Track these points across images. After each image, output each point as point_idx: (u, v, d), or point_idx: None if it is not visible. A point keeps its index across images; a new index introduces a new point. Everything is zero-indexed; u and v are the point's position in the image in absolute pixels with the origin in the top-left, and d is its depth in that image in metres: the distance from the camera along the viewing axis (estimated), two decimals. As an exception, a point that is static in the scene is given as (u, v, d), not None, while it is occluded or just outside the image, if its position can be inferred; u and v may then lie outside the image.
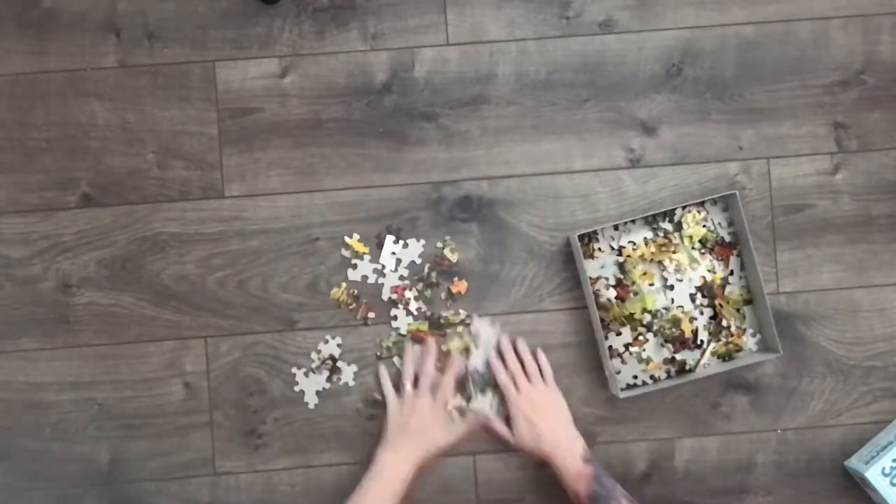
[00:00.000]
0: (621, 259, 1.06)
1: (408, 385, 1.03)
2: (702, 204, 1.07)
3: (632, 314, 1.05)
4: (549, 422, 1.01)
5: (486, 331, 1.05)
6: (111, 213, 1.08)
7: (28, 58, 1.08)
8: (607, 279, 1.06)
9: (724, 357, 1.07)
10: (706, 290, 1.06)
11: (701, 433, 1.08)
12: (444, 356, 1.04)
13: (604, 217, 1.08)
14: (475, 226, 1.08)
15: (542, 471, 1.07)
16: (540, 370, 1.05)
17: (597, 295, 1.06)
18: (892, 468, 1.02)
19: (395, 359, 1.07)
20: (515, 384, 1.02)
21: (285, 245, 1.08)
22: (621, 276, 1.06)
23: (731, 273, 1.07)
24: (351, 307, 1.06)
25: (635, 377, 1.07)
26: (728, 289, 1.07)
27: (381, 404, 1.05)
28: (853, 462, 1.07)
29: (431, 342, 1.05)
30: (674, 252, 1.06)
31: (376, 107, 1.09)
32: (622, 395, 1.03)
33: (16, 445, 1.06)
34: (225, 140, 1.08)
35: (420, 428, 1.00)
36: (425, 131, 1.09)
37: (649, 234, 1.07)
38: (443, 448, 1.01)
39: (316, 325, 1.08)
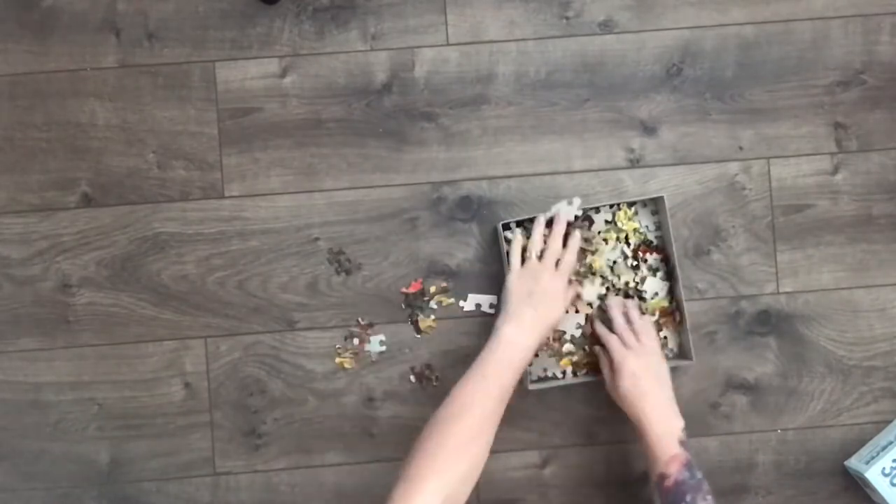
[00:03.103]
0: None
1: (533, 256, 0.99)
2: (631, 205, 1.07)
3: None
4: (656, 387, 0.95)
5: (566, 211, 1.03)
6: (111, 213, 1.08)
7: (28, 58, 1.08)
8: None
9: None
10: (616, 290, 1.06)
11: (701, 433, 1.08)
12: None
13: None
14: (475, 226, 1.08)
15: (542, 471, 1.07)
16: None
17: None
18: (892, 468, 1.02)
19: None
20: (623, 341, 0.99)
21: (285, 245, 1.08)
22: None
23: (655, 275, 1.07)
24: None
25: (545, 370, 1.07)
26: (651, 283, 1.07)
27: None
28: (853, 462, 1.07)
29: (564, 213, 1.02)
30: (594, 251, 1.05)
31: (376, 107, 1.09)
32: (531, 387, 1.03)
33: (16, 445, 1.07)
34: (225, 140, 1.08)
35: (542, 298, 0.96)
36: (425, 131, 1.09)
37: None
38: (560, 319, 0.98)
39: (316, 325, 1.08)
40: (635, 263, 1.06)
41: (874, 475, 1.02)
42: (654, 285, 1.06)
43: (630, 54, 1.09)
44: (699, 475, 0.91)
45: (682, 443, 0.93)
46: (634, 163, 1.09)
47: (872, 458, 1.04)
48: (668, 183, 1.09)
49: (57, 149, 1.08)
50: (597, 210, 1.07)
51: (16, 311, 1.07)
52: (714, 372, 1.08)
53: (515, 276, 0.98)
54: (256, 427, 1.07)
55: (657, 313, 1.06)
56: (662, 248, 1.07)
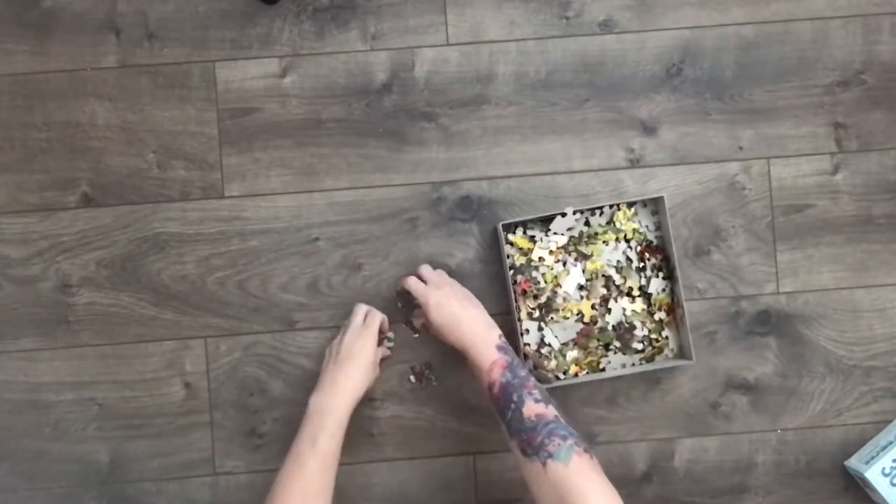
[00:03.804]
0: (536, 256, 1.06)
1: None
2: (630, 205, 1.07)
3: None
4: (462, 308, 0.96)
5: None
6: (111, 213, 1.08)
7: (28, 58, 1.08)
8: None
9: (647, 359, 1.07)
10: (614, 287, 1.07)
11: (701, 433, 1.08)
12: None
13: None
14: (475, 226, 1.08)
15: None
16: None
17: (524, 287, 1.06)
18: (892, 468, 1.02)
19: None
20: (423, 280, 1.00)
21: (285, 245, 1.08)
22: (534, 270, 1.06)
23: (658, 275, 1.07)
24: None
25: (548, 370, 1.06)
26: (655, 283, 1.07)
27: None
28: (853, 462, 1.07)
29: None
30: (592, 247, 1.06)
31: (376, 107, 1.09)
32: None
33: (16, 445, 1.07)
34: (225, 140, 1.08)
35: (345, 356, 0.98)
36: (425, 131, 1.09)
37: (567, 226, 1.07)
38: (373, 373, 1.00)
39: (316, 325, 1.08)
40: (642, 265, 1.06)
41: (874, 475, 1.02)
42: (657, 284, 1.06)
43: (630, 54, 1.09)
44: (522, 373, 0.90)
45: (499, 348, 0.92)
46: (634, 163, 1.09)
47: (872, 458, 1.04)
48: (668, 183, 1.09)
49: (57, 149, 1.08)
50: (597, 211, 1.06)
51: (16, 311, 1.07)
52: (714, 372, 1.08)
53: (326, 351, 1.02)
54: (256, 427, 1.07)
55: (662, 308, 1.06)
56: (662, 248, 1.07)
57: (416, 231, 1.08)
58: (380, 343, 1.03)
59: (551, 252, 1.06)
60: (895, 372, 1.09)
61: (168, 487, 1.07)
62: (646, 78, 1.09)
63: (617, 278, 1.06)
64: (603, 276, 1.06)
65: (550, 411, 0.87)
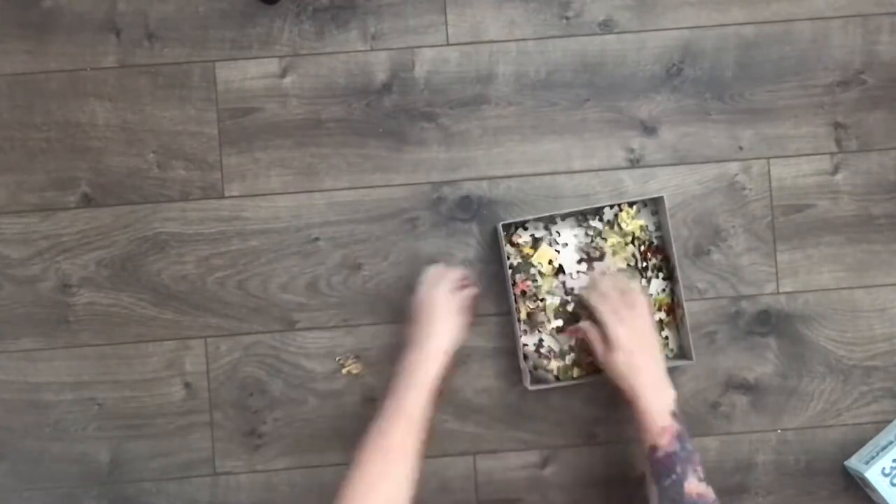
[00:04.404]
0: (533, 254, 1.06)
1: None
2: (632, 204, 1.07)
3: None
4: (649, 360, 0.94)
5: None
6: (111, 213, 1.08)
7: (28, 58, 1.08)
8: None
9: None
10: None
11: (701, 433, 1.08)
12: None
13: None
14: (475, 226, 1.08)
15: (542, 471, 1.07)
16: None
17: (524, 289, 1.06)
18: (892, 468, 1.02)
19: None
20: (616, 312, 0.96)
21: (285, 245, 1.08)
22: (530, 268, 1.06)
23: (658, 276, 1.07)
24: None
25: (548, 370, 1.07)
26: (654, 284, 1.07)
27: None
28: (853, 462, 1.07)
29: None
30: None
31: (376, 107, 1.09)
32: (531, 387, 1.03)
33: (16, 445, 1.07)
34: (225, 140, 1.08)
35: (433, 314, 0.95)
36: (425, 131, 1.09)
37: (577, 232, 1.07)
38: (458, 326, 0.96)
39: (316, 325, 1.08)
40: (644, 265, 1.06)
41: (874, 475, 1.02)
42: (657, 285, 1.06)
43: (630, 54, 1.09)
44: (690, 447, 0.90)
45: (673, 414, 0.91)
46: (634, 163, 1.09)
47: (872, 458, 1.04)
48: (668, 183, 1.09)
49: (57, 149, 1.08)
50: (599, 212, 1.06)
51: (16, 311, 1.07)
52: (714, 372, 1.08)
53: (414, 307, 0.98)
54: (256, 427, 1.07)
55: (662, 309, 1.06)
56: (662, 249, 1.07)
57: (416, 231, 1.08)
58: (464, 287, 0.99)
59: (550, 262, 1.06)
60: (895, 372, 1.09)
61: (168, 487, 1.07)
62: (646, 78, 1.09)
63: None
64: None
65: (710, 493, 0.87)
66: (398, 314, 1.08)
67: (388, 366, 1.07)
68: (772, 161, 1.09)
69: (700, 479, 0.88)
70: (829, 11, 1.10)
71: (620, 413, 1.08)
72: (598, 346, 0.96)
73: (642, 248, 1.07)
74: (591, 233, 1.06)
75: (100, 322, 1.07)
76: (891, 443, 1.04)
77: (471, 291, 1.00)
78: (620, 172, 1.09)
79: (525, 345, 1.06)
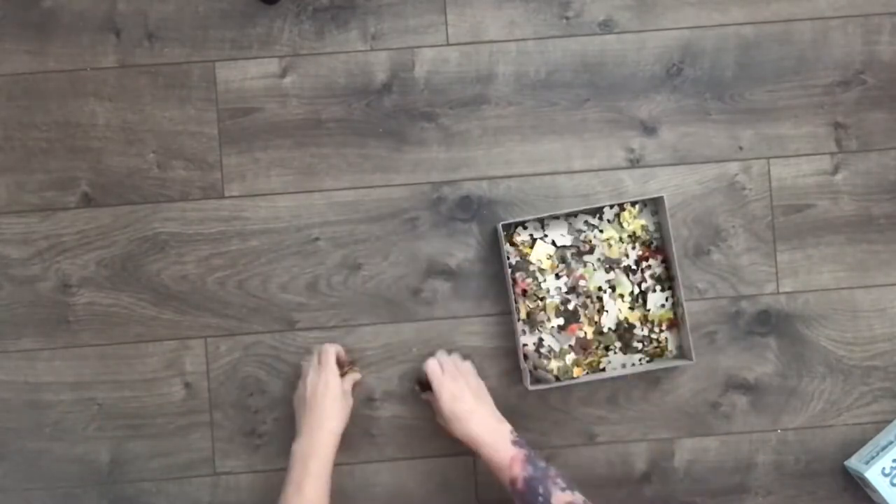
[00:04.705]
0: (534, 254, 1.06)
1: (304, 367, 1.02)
2: (633, 204, 1.07)
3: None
4: (475, 403, 0.97)
5: None
6: (111, 213, 1.08)
7: (28, 58, 1.08)
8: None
9: (649, 358, 1.07)
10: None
11: (701, 433, 1.08)
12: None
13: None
14: (475, 226, 1.08)
15: (542, 471, 1.07)
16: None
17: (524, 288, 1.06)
18: (892, 468, 1.02)
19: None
20: (441, 366, 1.00)
21: (285, 245, 1.08)
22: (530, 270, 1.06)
23: (656, 289, 1.07)
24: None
25: (548, 370, 1.07)
26: (653, 298, 1.07)
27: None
28: (853, 462, 1.07)
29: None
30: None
31: (376, 107, 1.09)
32: (531, 387, 1.03)
33: (16, 445, 1.07)
34: (225, 140, 1.08)
35: (314, 400, 0.98)
36: (425, 131, 1.09)
37: (565, 232, 1.07)
38: (346, 409, 1.00)
39: (316, 325, 1.08)
40: (635, 268, 1.06)
41: (874, 475, 1.02)
42: (656, 298, 1.07)
43: (630, 54, 1.09)
44: (542, 464, 0.92)
45: (514, 442, 0.94)
46: (634, 163, 1.09)
47: (872, 458, 1.04)
48: (668, 183, 1.09)
49: (57, 149, 1.08)
50: (599, 212, 1.07)
51: (16, 311, 1.07)
52: (714, 372, 1.08)
53: (294, 398, 1.02)
54: (256, 427, 1.07)
55: (663, 324, 1.06)
56: (662, 249, 1.07)
57: (416, 231, 1.08)
58: (344, 374, 1.02)
59: (549, 256, 1.06)
60: (895, 372, 1.09)
61: (168, 487, 1.07)
62: (646, 78, 1.09)
63: (606, 297, 1.06)
64: (605, 268, 1.06)
65: (578, 498, 0.89)
66: (398, 314, 1.08)
67: (388, 366, 1.08)
68: (772, 161, 1.09)
69: (563, 489, 0.90)
70: (829, 11, 1.10)
71: (620, 413, 1.08)
72: (435, 407, 0.99)
73: (642, 248, 1.07)
74: (584, 228, 1.06)
75: (100, 322, 1.07)
76: (891, 443, 1.04)
77: (354, 377, 1.05)
78: (620, 172, 1.09)
79: (525, 345, 1.06)
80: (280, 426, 1.07)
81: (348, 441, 1.07)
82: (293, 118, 1.09)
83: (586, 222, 1.07)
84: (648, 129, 1.09)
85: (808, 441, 1.08)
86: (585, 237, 1.06)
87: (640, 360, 1.07)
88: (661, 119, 1.09)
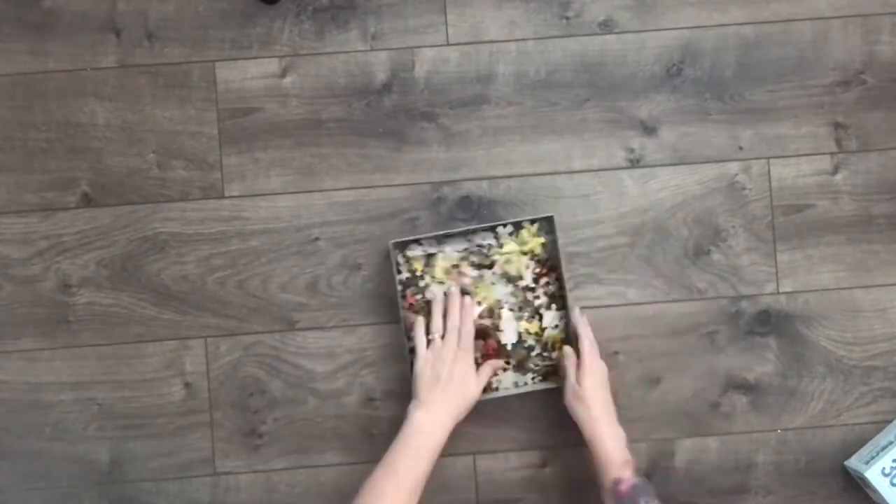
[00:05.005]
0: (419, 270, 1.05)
1: (436, 338, 1.00)
2: (533, 222, 1.05)
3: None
4: (610, 396, 1.00)
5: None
6: (111, 213, 1.08)
7: (28, 58, 1.08)
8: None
9: (541, 377, 1.06)
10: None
11: (701, 433, 1.08)
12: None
13: (604, 217, 1.08)
14: (475, 226, 1.08)
15: (541, 470, 1.07)
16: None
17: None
18: (892, 468, 1.02)
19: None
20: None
21: (285, 245, 1.08)
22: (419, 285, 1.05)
23: (552, 307, 1.06)
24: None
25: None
26: (548, 316, 1.06)
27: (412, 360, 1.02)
28: (853, 462, 1.07)
29: (455, 289, 1.03)
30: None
31: (376, 107, 1.09)
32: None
33: (16, 445, 1.07)
34: (225, 140, 1.08)
35: (450, 380, 0.97)
36: (425, 131, 1.09)
37: (464, 246, 1.05)
38: (474, 400, 0.99)
39: (316, 325, 1.08)
40: (533, 286, 1.05)
41: (874, 475, 1.02)
42: (550, 318, 1.05)
43: (630, 54, 1.09)
44: (646, 479, 0.95)
45: (628, 449, 0.96)
46: (634, 163, 1.09)
47: (872, 458, 1.04)
48: (668, 183, 1.09)
49: (57, 149, 1.08)
50: (493, 230, 1.05)
51: (16, 311, 1.07)
52: (714, 372, 1.08)
53: (422, 362, 0.99)
54: (256, 427, 1.07)
55: (556, 345, 1.05)
56: (556, 268, 1.05)
57: (416, 231, 1.08)
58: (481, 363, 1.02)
59: (447, 271, 1.05)
60: (895, 372, 1.09)
61: (168, 487, 1.07)
62: (646, 78, 1.09)
63: (505, 310, 1.05)
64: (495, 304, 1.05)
65: None
66: (398, 314, 1.08)
67: (388, 366, 1.07)
68: (772, 161, 1.09)
69: None
70: (829, 11, 1.10)
71: (620, 413, 1.08)
72: (570, 371, 1.00)
73: (538, 266, 1.05)
74: (484, 242, 1.05)
75: (100, 322, 1.07)
76: (891, 443, 1.04)
77: (496, 363, 1.04)
78: (620, 172, 1.09)
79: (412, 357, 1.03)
80: (280, 426, 1.07)
81: (348, 441, 1.07)
82: (293, 118, 1.09)
83: (480, 242, 1.05)
84: (648, 129, 1.09)
85: (808, 441, 1.08)
86: (487, 251, 1.05)
87: (532, 378, 1.06)
88: (661, 119, 1.09)
